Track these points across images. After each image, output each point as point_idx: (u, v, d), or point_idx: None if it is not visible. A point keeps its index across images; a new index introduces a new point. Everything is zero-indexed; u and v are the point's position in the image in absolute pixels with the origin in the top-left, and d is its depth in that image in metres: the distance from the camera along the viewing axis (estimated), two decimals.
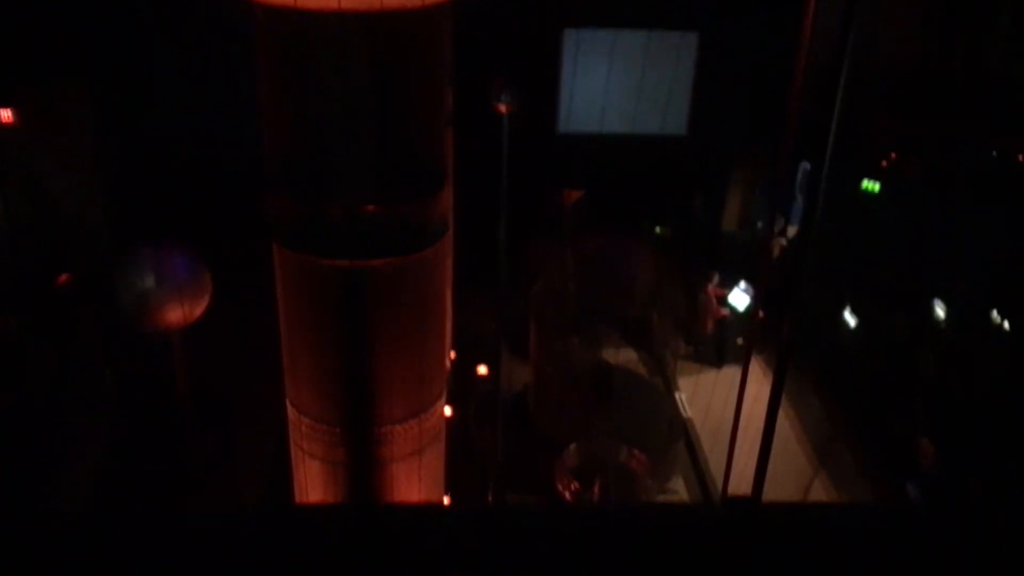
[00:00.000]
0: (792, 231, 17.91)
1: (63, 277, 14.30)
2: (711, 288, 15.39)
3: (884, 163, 16.14)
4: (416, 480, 8.31)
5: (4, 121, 14.70)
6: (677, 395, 14.36)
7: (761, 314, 9.27)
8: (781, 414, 6.04)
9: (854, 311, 15.03)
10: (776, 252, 16.69)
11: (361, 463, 7.93)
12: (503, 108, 7.07)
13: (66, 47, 15.19)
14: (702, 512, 4.82)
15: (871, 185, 16.04)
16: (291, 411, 8.16)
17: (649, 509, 6.86)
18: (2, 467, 11.32)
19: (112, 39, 15.98)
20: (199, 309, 11.60)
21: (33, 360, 12.92)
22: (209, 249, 12.56)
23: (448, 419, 9.38)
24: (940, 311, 14.65)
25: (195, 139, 16.78)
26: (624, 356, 13.54)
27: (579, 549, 3.19)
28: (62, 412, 12.36)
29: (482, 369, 13.76)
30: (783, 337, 5.77)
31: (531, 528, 3.35)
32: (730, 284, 15.78)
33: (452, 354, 13.17)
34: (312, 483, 8.22)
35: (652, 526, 3.41)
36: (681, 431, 13.18)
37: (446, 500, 9.69)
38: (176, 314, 11.31)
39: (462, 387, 13.28)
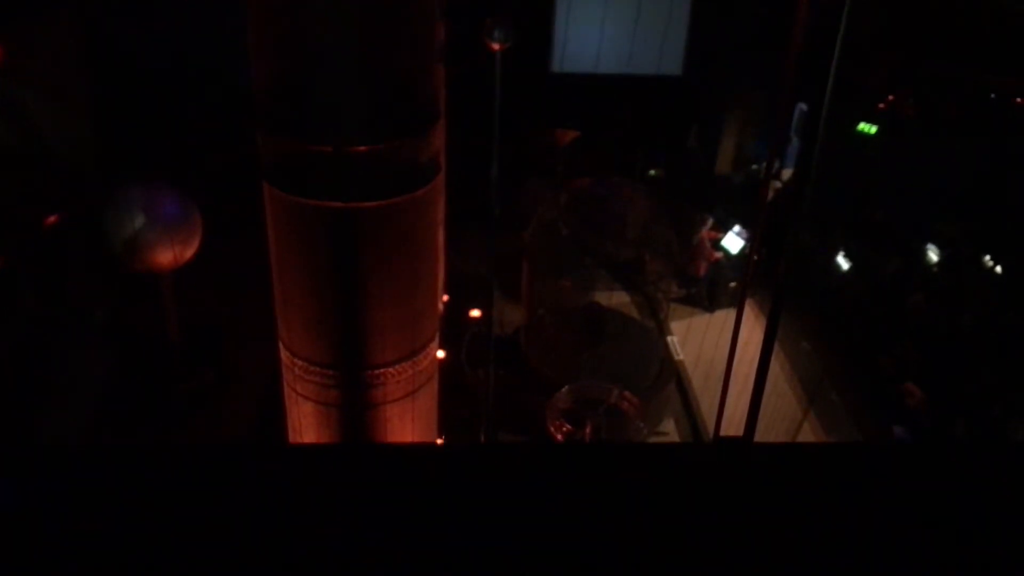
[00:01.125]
0: (787, 174, 17.81)
1: (52, 217, 14.16)
2: (705, 231, 15.35)
3: (881, 105, 15.99)
4: (409, 422, 8.36)
5: None
6: (669, 338, 14.43)
7: (756, 257, 9.25)
8: (772, 357, 6.06)
9: (847, 254, 15.03)
10: (771, 195, 16.60)
11: (354, 405, 7.96)
12: (496, 46, 6.91)
13: None
14: (695, 452, 4.86)
15: (868, 128, 15.91)
16: (284, 353, 8.15)
17: (641, 449, 6.92)
18: None
19: None
20: (190, 250, 11.52)
21: (24, 300, 12.87)
22: (200, 186, 12.44)
23: (441, 361, 9.41)
24: (932, 254, 14.67)
25: (185, 70, 16.52)
26: (616, 298, 13.56)
27: (569, 488, 3.20)
28: (54, 352, 12.36)
29: (475, 311, 13.78)
30: (777, 279, 5.75)
31: (521, 467, 3.36)
32: (724, 227, 15.73)
33: (445, 296, 13.16)
34: (305, 425, 8.27)
35: (644, 465, 3.43)
36: (673, 373, 13.27)
37: (439, 442, 9.77)
38: (167, 255, 11.23)
39: (455, 329, 13.30)
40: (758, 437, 6.02)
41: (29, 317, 12.68)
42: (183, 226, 11.30)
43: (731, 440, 4.82)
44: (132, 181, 11.26)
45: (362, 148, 6.85)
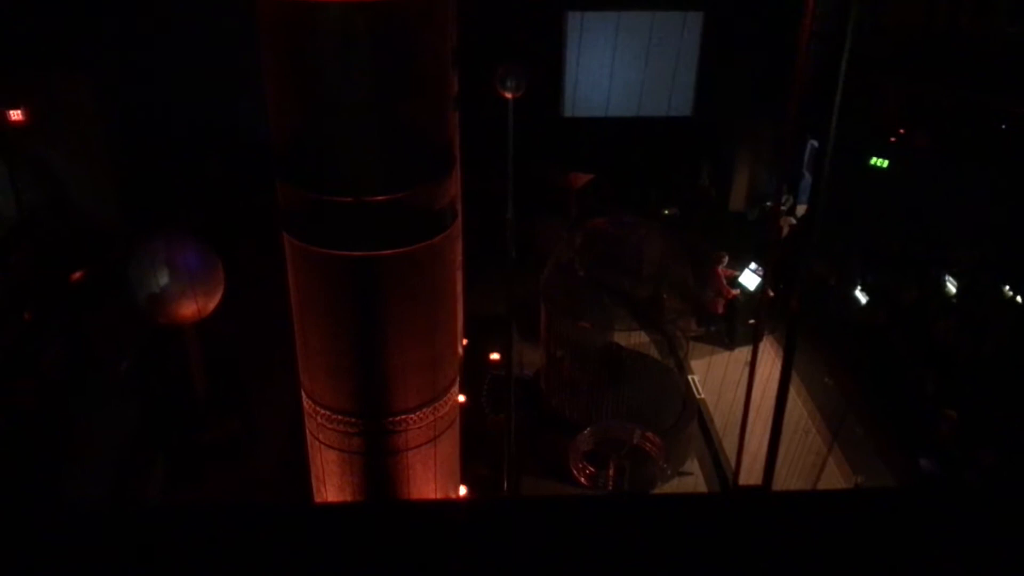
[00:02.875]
0: (801, 209, 17.85)
1: (78, 273, 14.41)
2: (721, 269, 15.37)
3: (892, 139, 16.04)
4: (432, 468, 8.37)
5: (15, 120, 14.80)
6: (690, 376, 14.38)
7: (771, 293, 9.28)
8: (794, 392, 6.08)
9: (864, 286, 14.99)
10: (785, 231, 16.63)
11: (377, 452, 8.00)
12: (508, 95, 7.06)
13: (70, 41, 15.26)
14: (713, 503, 4.84)
15: (880, 162, 15.96)
16: (306, 402, 8.22)
17: (659, 500, 6.90)
18: (21, 459, 11.46)
19: (115, 27, 16.01)
20: (213, 303, 11.67)
21: (50, 353, 13.05)
22: (221, 238, 12.63)
23: (462, 406, 9.43)
24: (951, 284, 14.61)
25: (205, 125, 16.85)
26: (635, 338, 13.55)
27: (586, 540, 3.23)
28: (78, 406, 12.49)
29: (494, 354, 13.81)
30: (789, 312, 5.79)
31: (540, 521, 3.38)
32: (740, 264, 15.75)
33: (464, 340, 13.22)
34: (328, 472, 8.30)
35: (662, 517, 3.43)
36: (694, 412, 13.20)
37: (462, 488, 9.76)
38: (190, 308, 11.38)
39: (475, 373, 13.34)
40: (780, 473, 6.01)
41: (54, 371, 12.84)
42: (206, 279, 11.45)
43: (749, 490, 4.81)
44: (155, 235, 11.45)
45: (380, 197, 6.98)
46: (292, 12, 6.59)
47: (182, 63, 16.32)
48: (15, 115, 15.03)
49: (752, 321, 14.88)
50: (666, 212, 18.68)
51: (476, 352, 13.76)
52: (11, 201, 15.50)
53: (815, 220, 6.43)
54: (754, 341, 10.20)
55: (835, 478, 12.14)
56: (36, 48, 15.04)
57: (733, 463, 11.36)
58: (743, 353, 14.38)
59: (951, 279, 14.58)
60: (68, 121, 15.56)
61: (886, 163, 15.86)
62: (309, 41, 6.67)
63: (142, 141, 16.60)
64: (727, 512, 3.49)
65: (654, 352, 13.20)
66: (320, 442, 8.19)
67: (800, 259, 6.13)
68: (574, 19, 16.94)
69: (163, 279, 11.08)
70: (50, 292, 14.07)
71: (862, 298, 14.86)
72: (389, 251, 7.18)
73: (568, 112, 17.92)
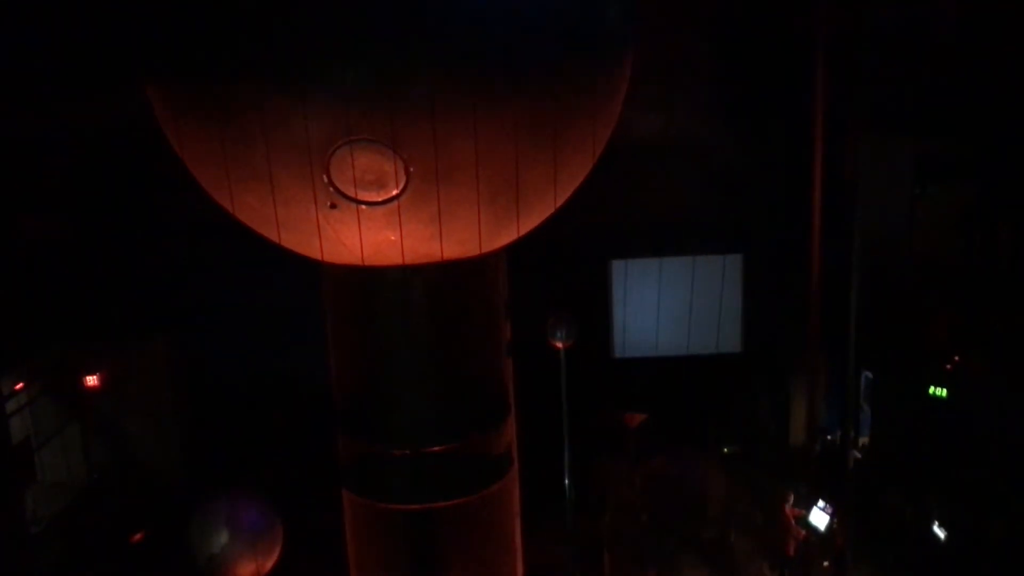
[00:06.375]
0: (864, 442, 17.43)
1: (138, 535, 14.45)
2: (788, 508, 14.82)
3: (948, 367, 15.92)
4: None
5: (91, 385, 15.54)
6: None
7: (841, 537, 8.91)
8: None
9: (943, 523, 14.25)
10: (850, 465, 16.15)
11: None
12: (559, 344, 7.37)
13: (142, 312, 16.35)
14: None
15: (939, 391, 15.74)
16: None
17: None
18: None
19: (189, 294, 17.10)
20: (271, 562, 11.57)
21: None
22: (284, 494, 12.68)
23: None
24: None
25: (268, 381, 17.42)
26: None
27: None
28: None
29: None
30: (835, 549, 5.57)
31: None
32: (808, 502, 15.17)
33: None
34: None
35: None
36: None
37: None
38: (249, 568, 11.28)
39: None
40: None
41: None
42: (265, 539, 11.44)
43: None
44: (216, 495, 11.59)
45: (437, 448, 7.11)
46: (355, 276, 7.11)
47: (247, 321, 17.16)
48: (91, 380, 15.78)
49: (826, 563, 14.13)
50: (726, 449, 18.35)
51: None
52: (82, 464, 15.92)
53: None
54: None
55: None
56: (114, 317, 16.12)
57: None
58: None
59: None
60: (141, 385, 16.28)
61: (944, 392, 15.63)
62: (370, 302, 7.13)
63: (208, 399, 17.17)
64: None
65: None
66: None
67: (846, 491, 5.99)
68: (619, 266, 17.71)
69: (223, 539, 11.09)
70: (113, 555, 14.06)
71: (940, 533, 14.08)
72: (447, 502, 7.19)
73: (619, 353, 18.24)
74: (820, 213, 15.26)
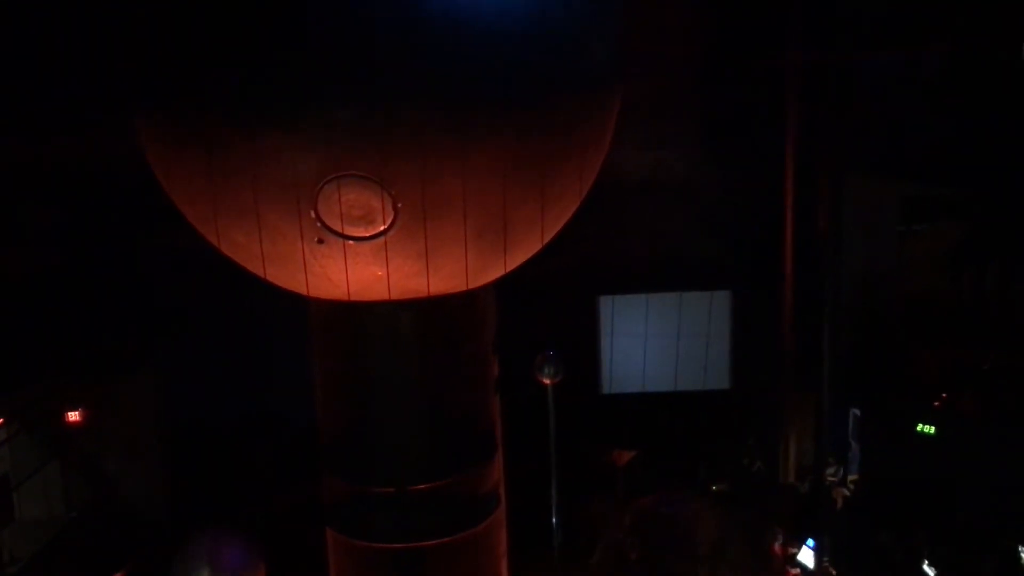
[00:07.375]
0: (852, 479, 17.36)
1: (120, 573, 14.18)
2: (778, 547, 14.70)
3: (936, 404, 15.93)
4: None
5: (72, 421, 15.32)
6: None
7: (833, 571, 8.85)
8: None
9: (932, 562, 14.16)
10: (839, 503, 16.10)
11: None
12: (546, 381, 7.33)
13: (126, 347, 16.19)
14: None
15: (926, 428, 15.73)
16: None
17: None
18: None
19: (167, 331, 16.97)
20: None
21: None
22: (266, 530, 12.49)
23: None
24: None
25: (252, 418, 17.27)
26: None
27: None
28: None
29: None
30: None
31: None
32: (798, 540, 15.07)
33: None
34: None
35: None
36: None
37: None
38: None
39: None
40: None
41: None
42: None
43: None
44: (199, 532, 11.39)
45: (423, 486, 7.03)
46: (342, 311, 7.07)
47: (232, 357, 17.06)
48: (73, 416, 15.56)
49: None
50: (714, 487, 18.23)
51: None
52: (61, 502, 15.64)
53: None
54: None
55: None
56: (97, 352, 15.95)
57: None
58: None
59: None
60: (124, 421, 16.07)
61: (932, 429, 15.62)
62: (356, 337, 7.08)
63: (191, 435, 16.97)
64: None
65: None
66: None
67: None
68: (606, 302, 17.71)
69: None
70: None
71: (930, 572, 13.99)
72: (432, 541, 7.10)
73: (606, 389, 18.18)
74: (792, 259, 15.64)
